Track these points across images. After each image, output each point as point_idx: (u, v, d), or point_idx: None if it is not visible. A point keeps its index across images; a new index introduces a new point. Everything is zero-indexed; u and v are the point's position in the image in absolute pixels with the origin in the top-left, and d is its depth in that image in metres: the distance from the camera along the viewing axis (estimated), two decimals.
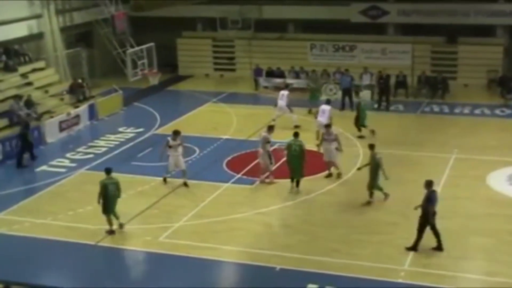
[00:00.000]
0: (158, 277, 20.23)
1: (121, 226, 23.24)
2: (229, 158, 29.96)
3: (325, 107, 31.08)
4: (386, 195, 24.89)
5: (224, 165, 29.11)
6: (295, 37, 46.44)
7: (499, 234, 22.14)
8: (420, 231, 21.08)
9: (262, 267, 20.60)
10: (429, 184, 21.33)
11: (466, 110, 36.98)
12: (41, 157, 31.05)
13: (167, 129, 34.16)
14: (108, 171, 23.18)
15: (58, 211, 24.62)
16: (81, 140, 33.49)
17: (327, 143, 27.14)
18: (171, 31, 46.43)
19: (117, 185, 22.98)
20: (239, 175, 27.63)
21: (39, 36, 39.16)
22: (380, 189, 24.77)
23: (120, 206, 25.07)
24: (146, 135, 33.55)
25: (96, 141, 33.26)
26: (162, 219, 23.96)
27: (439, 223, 22.82)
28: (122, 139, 33.17)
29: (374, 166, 24.53)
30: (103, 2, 39.23)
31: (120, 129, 34.79)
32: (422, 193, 25.29)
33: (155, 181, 27.43)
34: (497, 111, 36.62)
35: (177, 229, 23.16)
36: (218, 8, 45.03)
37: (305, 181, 26.70)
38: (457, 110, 37.08)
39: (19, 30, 37.53)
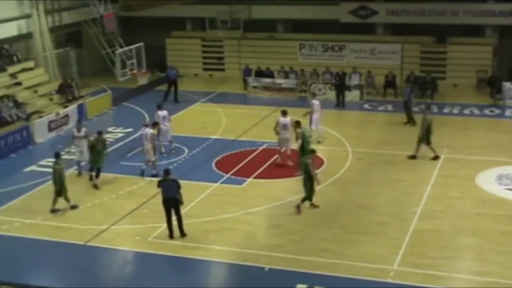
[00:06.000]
0: (147, 277, 20.16)
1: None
2: (218, 158, 29.90)
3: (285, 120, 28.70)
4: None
5: (213, 165, 29.07)
6: (284, 37, 46.36)
7: (489, 234, 22.17)
8: (178, 217, 22.48)
9: (251, 267, 20.55)
10: (165, 171, 22.75)
11: (456, 110, 37.01)
12: (30, 157, 30.93)
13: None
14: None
15: (48, 211, 24.52)
16: (70, 140, 33.27)
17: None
18: (160, 31, 46.38)
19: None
20: (228, 175, 27.57)
21: (28, 36, 38.97)
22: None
23: (110, 206, 25.14)
24: (135, 135, 33.37)
25: None
26: (152, 219, 23.87)
27: (429, 222, 22.98)
28: (111, 139, 33.01)
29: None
30: (92, 2, 39.10)
31: (109, 129, 34.64)
32: (412, 193, 25.59)
33: (144, 181, 27.38)
34: (487, 111, 36.66)
35: (166, 229, 23.07)
36: (208, 8, 44.91)
37: (294, 181, 26.69)
38: (446, 110, 37.08)
39: (8, 30, 37.33)
